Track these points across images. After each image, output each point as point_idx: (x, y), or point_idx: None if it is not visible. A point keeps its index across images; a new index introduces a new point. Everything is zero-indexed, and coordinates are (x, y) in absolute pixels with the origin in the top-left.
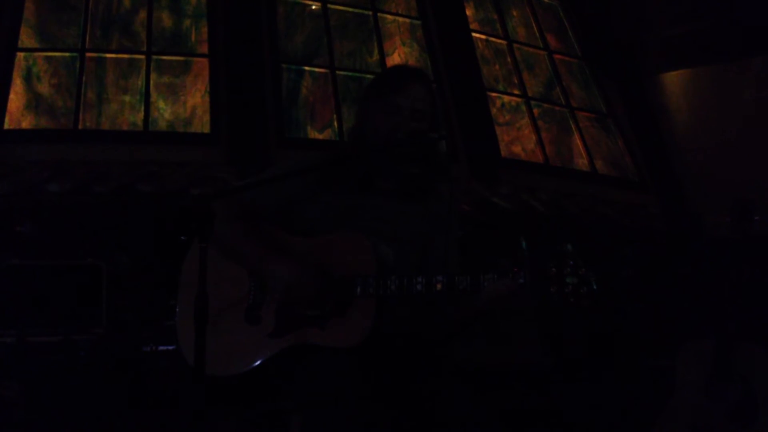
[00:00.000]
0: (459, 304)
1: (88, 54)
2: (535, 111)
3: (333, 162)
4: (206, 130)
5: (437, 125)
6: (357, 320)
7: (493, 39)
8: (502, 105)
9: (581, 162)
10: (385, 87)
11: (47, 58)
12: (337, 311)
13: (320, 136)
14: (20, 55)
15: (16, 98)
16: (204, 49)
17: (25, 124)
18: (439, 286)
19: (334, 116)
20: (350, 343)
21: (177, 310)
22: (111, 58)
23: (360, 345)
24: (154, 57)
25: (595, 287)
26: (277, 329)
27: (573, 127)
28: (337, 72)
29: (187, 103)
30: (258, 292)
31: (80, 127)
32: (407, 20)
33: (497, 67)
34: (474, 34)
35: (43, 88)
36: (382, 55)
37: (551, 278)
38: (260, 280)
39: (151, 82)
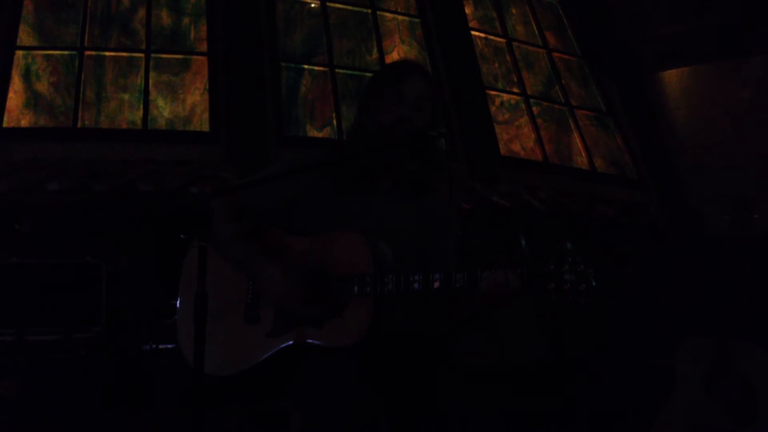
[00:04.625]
0: (456, 301)
1: (87, 52)
2: (535, 109)
3: (331, 160)
4: (205, 128)
5: (437, 121)
6: (354, 319)
7: (492, 37)
8: (502, 103)
9: (580, 160)
10: (387, 78)
11: (46, 56)
12: (335, 310)
13: (320, 135)
14: (19, 53)
15: (15, 96)
16: (203, 47)
17: (24, 123)
18: (436, 284)
19: (334, 114)
20: (348, 341)
21: (177, 309)
22: (110, 56)
23: (358, 343)
24: (153, 55)
25: (594, 284)
26: (276, 328)
27: (572, 125)
28: (337, 70)
29: (186, 102)
30: (256, 292)
31: (79, 125)
32: (406, 18)
33: (496, 65)
34: (473, 33)
35: (42, 86)
36: (382, 54)
37: (549, 275)
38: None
39: (150, 80)
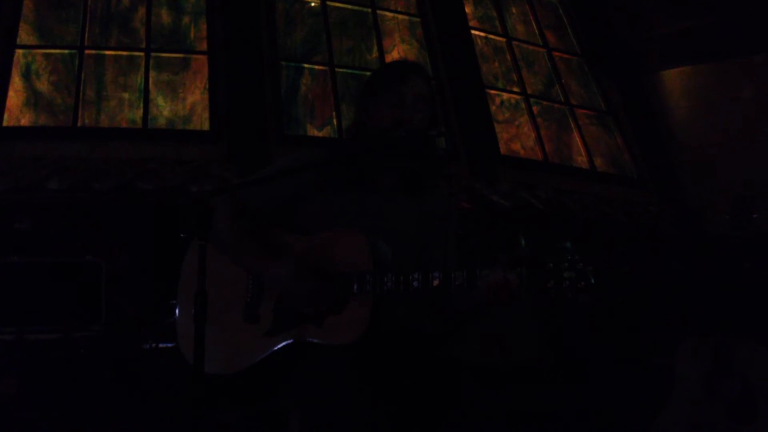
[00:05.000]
0: (456, 299)
1: (87, 51)
2: (535, 108)
3: (330, 159)
4: (205, 127)
5: (436, 120)
6: (353, 317)
7: (492, 36)
8: (502, 102)
9: (580, 159)
10: (386, 78)
11: (46, 55)
12: (335, 309)
13: (319, 134)
14: (19, 52)
15: (15, 95)
16: (203, 46)
17: (24, 122)
18: (436, 282)
19: (334, 114)
20: (347, 340)
21: (177, 308)
22: (110, 55)
23: (357, 342)
24: (153, 54)
25: (593, 281)
26: (275, 327)
27: (572, 124)
28: (337, 69)
29: (186, 101)
30: (256, 291)
31: (79, 124)
32: (406, 18)
33: (496, 64)
34: (473, 32)
35: (42, 85)
36: (382, 53)
37: (549, 273)
38: (258, 279)
39: (150, 79)
